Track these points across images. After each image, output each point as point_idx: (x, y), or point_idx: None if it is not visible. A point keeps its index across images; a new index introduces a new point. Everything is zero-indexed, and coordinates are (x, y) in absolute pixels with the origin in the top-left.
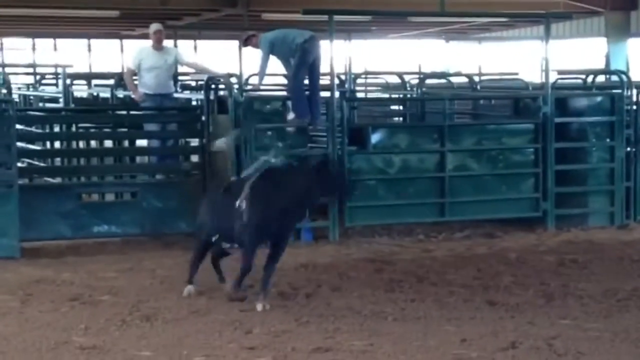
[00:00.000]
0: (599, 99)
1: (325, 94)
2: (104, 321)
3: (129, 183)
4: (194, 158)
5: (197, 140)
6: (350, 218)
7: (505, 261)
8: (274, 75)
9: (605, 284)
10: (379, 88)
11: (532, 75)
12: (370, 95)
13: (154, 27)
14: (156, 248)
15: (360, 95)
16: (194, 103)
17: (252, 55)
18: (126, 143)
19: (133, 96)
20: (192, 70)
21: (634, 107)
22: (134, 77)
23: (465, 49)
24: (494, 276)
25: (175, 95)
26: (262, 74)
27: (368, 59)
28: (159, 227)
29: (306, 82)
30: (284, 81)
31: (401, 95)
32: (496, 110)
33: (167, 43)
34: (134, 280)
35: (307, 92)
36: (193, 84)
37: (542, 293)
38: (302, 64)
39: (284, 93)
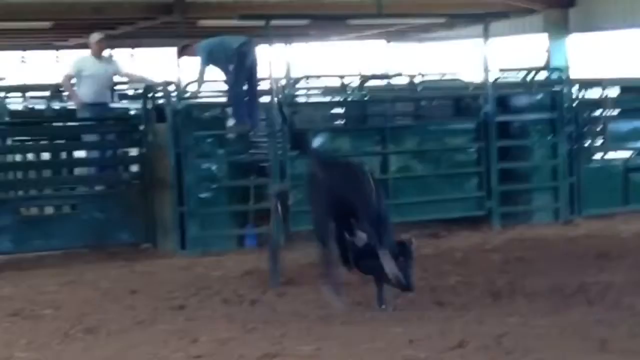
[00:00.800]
0: (539, 96)
1: (265, 99)
2: (46, 335)
3: (68, 195)
4: (134, 168)
5: (136, 149)
6: (295, 223)
7: (451, 261)
8: (213, 82)
9: (552, 280)
10: (320, 92)
11: (474, 74)
12: (311, 99)
13: (95, 36)
14: (98, 260)
15: (301, 99)
16: (132, 112)
17: (190, 63)
18: (64, 155)
19: (71, 102)
20: (130, 80)
21: (575, 103)
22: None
23: (406, 49)
24: (440, 276)
25: (114, 105)
26: (200, 81)
27: (309, 63)
28: (100, 239)
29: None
30: (223, 88)
31: (342, 98)
32: (438, 110)
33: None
34: (76, 293)
35: (246, 98)
36: (131, 93)
37: (489, 291)
38: (240, 68)
39: (223, 100)
